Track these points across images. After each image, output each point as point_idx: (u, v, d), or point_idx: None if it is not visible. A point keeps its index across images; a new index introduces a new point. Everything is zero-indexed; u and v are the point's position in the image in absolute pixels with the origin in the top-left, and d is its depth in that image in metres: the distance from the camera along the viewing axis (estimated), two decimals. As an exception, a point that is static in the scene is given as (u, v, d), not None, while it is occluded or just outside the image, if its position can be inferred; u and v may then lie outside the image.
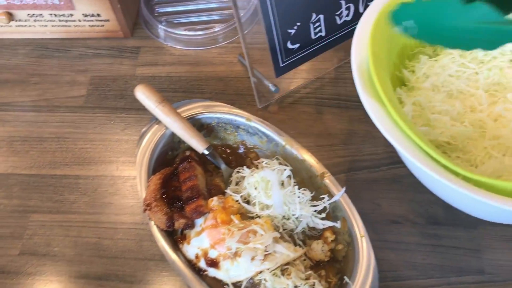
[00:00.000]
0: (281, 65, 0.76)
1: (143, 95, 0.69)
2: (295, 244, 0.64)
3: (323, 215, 0.64)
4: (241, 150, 0.73)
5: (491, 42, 0.43)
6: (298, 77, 0.83)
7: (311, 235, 0.66)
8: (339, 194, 0.63)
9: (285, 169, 0.66)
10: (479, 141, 0.59)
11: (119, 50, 0.90)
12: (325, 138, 0.77)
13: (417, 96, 0.64)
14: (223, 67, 0.86)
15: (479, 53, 0.68)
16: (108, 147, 0.79)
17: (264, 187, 0.64)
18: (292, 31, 0.73)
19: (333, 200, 0.64)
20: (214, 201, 0.64)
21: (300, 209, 0.63)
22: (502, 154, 0.59)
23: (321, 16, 0.75)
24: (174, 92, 0.83)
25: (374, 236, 0.67)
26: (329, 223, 0.64)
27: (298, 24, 0.73)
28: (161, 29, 0.89)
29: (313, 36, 0.77)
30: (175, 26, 0.91)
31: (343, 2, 0.75)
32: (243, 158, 0.73)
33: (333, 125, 0.78)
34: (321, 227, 0.65)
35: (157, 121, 0.71)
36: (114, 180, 0.75)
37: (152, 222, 0.64)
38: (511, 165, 0.57)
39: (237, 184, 0.68)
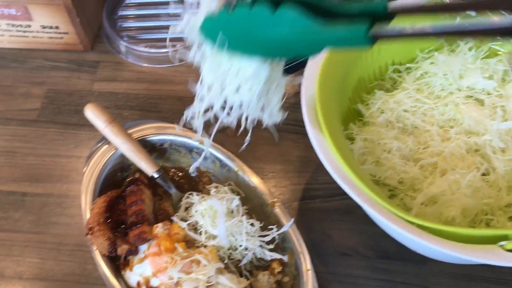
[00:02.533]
0: (239, 88, 0.75)
1: (93, 115, 0.68)
2: (241, 275, 0.63)
3: (271, 246, 0.63)
4: (194, 174, 0.72)
5: (310, 49, 0.41)
6: (258, 101, 0.82)
7: (259, 265, 0.64)
8: (287, 226, 0.62)
9: (234, 199, 0.64)
10: (426, 181, 0.59)
11: (77, 63, 0.87)
12: (281, 164, 0.76)
13: (370, 132, 0.63)
14: (182, 87, 0.84)
15: (435, 88, 0.68)
16: (58, 164, 0.76)
17: (212, 215, 0.63)
18: (251, 55, 0.72)
19: (280, 231, 0.62)
20: (159, 228, 0.62)
21: (247, 240, 0.62)
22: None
23: (281, 41, 0.74)
24: (130, 110, 0.81)
25: (322, 268, 0.67)
26: (276, 255, 0.63)
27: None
28: (122, 44, 0.87)
29: (273, 61, 0.76)
30: (137, 42, 0.89)
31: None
32: (196, 182, 0.72)
33: (290, 151, 0.77)
34: (268, 258, 0.63)
35: (107, 141, 0.69)
36: (62, 199, 0.73)
37: (95, 247, 0.62)
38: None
39: (186, 209, 0.67)
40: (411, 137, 0.63)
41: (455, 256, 0.47)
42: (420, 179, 0.59)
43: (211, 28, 0.42)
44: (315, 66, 0.61)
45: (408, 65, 0.71)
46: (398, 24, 0.38)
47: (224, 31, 0.41)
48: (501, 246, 0.48)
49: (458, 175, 0.58)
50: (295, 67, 0.65)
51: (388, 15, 0.37)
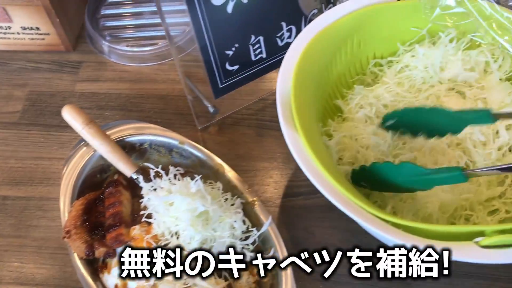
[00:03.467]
0: (220, 86, 0.74)
1: (70, 116, 0.67)
2: (220, 276, 0.62)
3: (251, 247, 0.62)
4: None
5: (423, 186, 0.55)
6: (240, 98, 0.81)
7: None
8: (265, 225, 0.61)
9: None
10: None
11: (60, 64, 0.87)
12: (264, 161, 0.75)
13: (349, 128, 0.62)
14: (165, 85, 0.84)
15: (416, 81, 0.67)
16: (40, 167, 0.76)
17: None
18: (230, 52, 0.71)
19: (260, 232, 0.61)
20: (136, 230, 0.62)
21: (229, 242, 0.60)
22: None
23: (261, 38, 0.73)
24: (112, 110, 0.81)
25: (305, 267, 0.65)
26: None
27: (236, 45, 0.71)
28: (105, 44, 0.86)
29: (253, 58, 0.75)
30: (120, 41, 0.89)
31: (284, 24, 0.74)
32: (177, 182, 0.71)
33: (273, 148, 0.76)
34: (248, 258, 0.62)
35: (86, 142, 0.69)
36: (43, 202, 0.73)
37: (72, 250, 0.61)
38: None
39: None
40: (390, 132, 0.62)
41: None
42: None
43: (357, 178, 0.60)
44: (290, 62, 0.60)
45: (389, 58, 0.69)
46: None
47: (366, 180, 0.59)
48: (477, 242, 0.47)
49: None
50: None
51: (492, 119, 0.55)
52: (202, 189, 0.61)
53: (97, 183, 0.69)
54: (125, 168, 0.66)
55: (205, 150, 0.68)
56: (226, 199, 0.64)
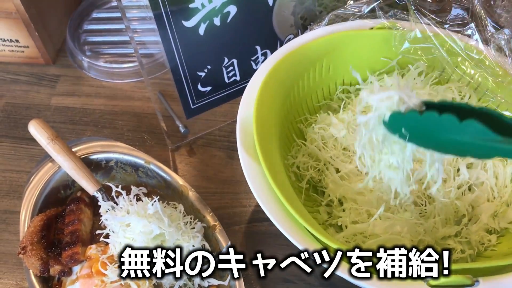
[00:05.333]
0: (192, 107, 0.74)
1: (35, 131, 0.67)
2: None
3: (209, 272, 0.61)
4: (140, 193, 0.71)
5: (483, 155, 0.48)
6: (213, 119, 0.81)
7: (196, 290, 0.63)
8: (225, 248, 0.61)
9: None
10: (361, 202, 0.58)
11: (38, 77, 0.87)
12: (232, 185, 0.75)
13: (310, 150, 0.62)
14: (140, 103, 0.83)
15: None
16: (7, 179, 0.76)
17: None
18: (202, 74, 0.71)
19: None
20: (92, 249, 0.61)
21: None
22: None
23: (234, 61, 0.73)
24: (84, 126, 0.81)
25: (264, 295, 0.65)
26: (214, 282, 0.61)
27: (209, 67, 0.71)
28: (84, 60, 0.87)
29: (226, 80, 0.75)
30: (99, 56, 0.89)
31: (258, 48, 0.74)
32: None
33: (242, 172, 0.75)
34: (206, 285, 0.62)
35: (51, 158, 0.68)
36: (6, 215, 0.72)
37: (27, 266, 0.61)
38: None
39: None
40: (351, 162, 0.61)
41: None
42: (354, 199, 0.58)
43: (397, 122, 0.50)
44: (252, 89, 0.60)
45: (357, 86, 0.69)
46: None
47: (409, 127, 0.49)
48: (427, 282, 0.47)
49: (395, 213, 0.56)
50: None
51: None
52: (160, 210, 0.60)
53: (61, 200, 0.69)
54: (88, 185, 0.66)
55: (170, 171, 0.68)
56: (187, 223, 0.63)
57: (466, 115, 0.44)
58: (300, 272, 0.65)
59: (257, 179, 0.54)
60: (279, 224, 0.51)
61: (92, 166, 0.69)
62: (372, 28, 0.66)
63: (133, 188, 0.65)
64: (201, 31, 0.67)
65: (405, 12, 0.66)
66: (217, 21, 0.67)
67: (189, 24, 0.66)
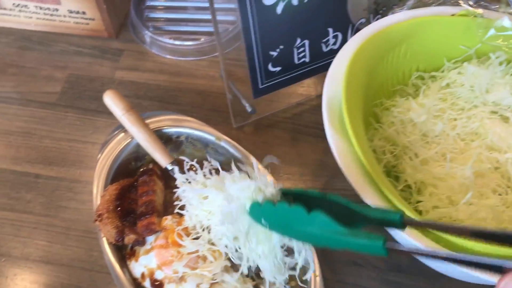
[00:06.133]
0: (260, 86, 0.74)
1: (111, 101, 0.67)
2: (248, 275, 0.61)
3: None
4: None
5: (334, 245, 0.46)
6: (278, 100, 0.81)
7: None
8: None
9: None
10: (441, 187, 0.57)
11: (101, 50, 0.87)
12: (297, 167, 0.75)
13: (388, 134, 0.62)
14: (204, 81, 0.84)
15: (460, 99, 0.66)
16: (73, 149, 0.76)
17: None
18: (274, 53, 0.71)
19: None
20: (167, 220, 0.62)
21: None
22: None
23: (306, 42, 0.73)
24: (149, 101, 0.81)
25: (331, 276, 0.65)
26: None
27: (281, 47, 0.71)
28: (147, 34, 0.87)
29: (296, 61, 0.74)
30: (162, 33, 0.89)
31: (330, 30, 0.73)
32: (209, 178, 0.71)
33: (307, 154, 0.76)
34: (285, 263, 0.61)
35: (123, 129, 0.69)
36: (74, 184, 0.73)
37: (102, 234, 0.61)
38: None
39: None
40: (434, 145, 0.61)
41: (466, 273, 0.45)
42: (435, 185, 0.58)
43: (257, 212, 0.52)
44: (338, 66, 0.59)
45: (433, 73, 0.69)
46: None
47: (266, 216, 0.51)
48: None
49: (477, 199, 0.56)
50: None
51: (402, 225, 0.44)
52: (237, 186, 0.61)
53: (131, 171, 0.70)
54: (161, 158, 0.66)
55: (242, 149, 0.68)
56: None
57: (317, 205, 0.47)
58: (368, 255, 0.67)
59: (347, 158, 0.53)
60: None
61: (163, 139, 0.69)
62: (453, 15, 0.66)
63: (205, 163, 0.66)
64: (279, 9, 0.67)
65: (488, 0, 0.65)
66: (295, 0, 0.67)
67: (268, 1, 0.66)
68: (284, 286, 0.59)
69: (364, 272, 0.66)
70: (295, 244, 0.55)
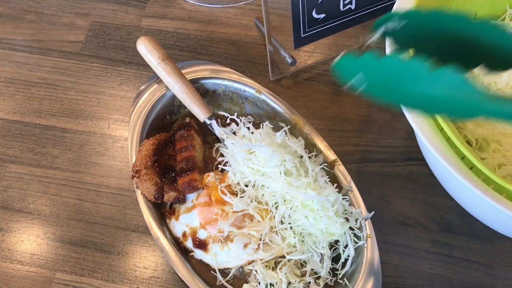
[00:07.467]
0: (302, 35, 0.69)
1: (146, 49, 0.62)
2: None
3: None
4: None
5: (464, 113, 0.36)
6: (318, 52, 0.75)
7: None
8: (369, 215, 0.56)
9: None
10: (507, 143, 0.53)
11: (125, -4, 0.82)
12: (340, 122, 0.70)
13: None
14: (237, 30, 0.78)
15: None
16: (101, 101, 0.71)
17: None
18: (320, -2, 0.66)
19: (365, 217, 0.56)
20: (210, 177, 0.58)
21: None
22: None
23: (354, -14, 0.67)
24: (180, 51, 0.76)
25: (379, 237, 0.61)
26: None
27: (328, -9, 0.65)
28: (175, -21, 0.81)
29: (341, 8, 0.69)
30: (190, -22, 0.83)
31: (379, -25, 0.68)
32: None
33: (350, 109, 0.71)
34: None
35: (157, 79, 0.64)
36: (103, 138, 0.68)
37: (139, 191, 0.58)
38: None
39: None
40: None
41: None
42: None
43: (350, 67, 0.39)
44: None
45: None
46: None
47: (366, 73, 0.38)
48: None
49: None
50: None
51: None
52: (287, 141, 0.56)
53: (165, 125, 0.65)
54: (200, 111, 0.62)
55: (284, 102, 0.63)
56: (310, 157, 0.59)
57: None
58: (418, 215, 0.63)
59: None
60: (449, 164, 0.46)
61: (199, 91, 0.64)
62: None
63: (242, 118, 0.61)
64: (328, -51, 0.61)
65: None
66: None
67: None
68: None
69: (413, 233, 0.62)
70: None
